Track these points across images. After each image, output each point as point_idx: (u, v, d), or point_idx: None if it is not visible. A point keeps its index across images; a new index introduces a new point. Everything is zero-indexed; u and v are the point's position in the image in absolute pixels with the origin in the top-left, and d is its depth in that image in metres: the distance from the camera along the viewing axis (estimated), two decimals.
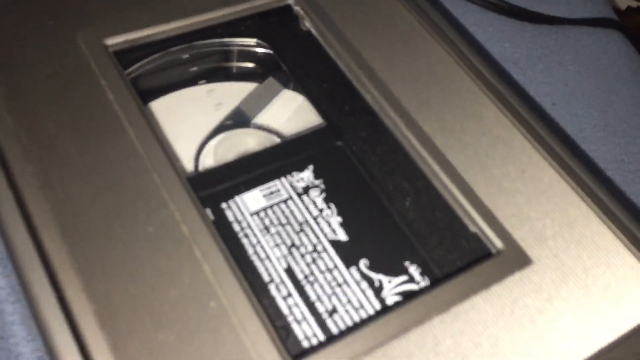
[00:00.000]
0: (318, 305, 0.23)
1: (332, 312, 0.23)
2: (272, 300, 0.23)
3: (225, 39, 0.31)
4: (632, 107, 0.41)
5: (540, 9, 0.44)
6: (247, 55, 0.32)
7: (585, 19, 0.45)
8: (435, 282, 0.24)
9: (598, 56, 0.43)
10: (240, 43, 0.31)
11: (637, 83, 0.43)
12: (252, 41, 0.31)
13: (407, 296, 0.24)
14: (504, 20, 0.44)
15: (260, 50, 0.31)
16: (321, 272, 0.24)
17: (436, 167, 0.26)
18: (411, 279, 0.24)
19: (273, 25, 0.31)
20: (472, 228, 0.25)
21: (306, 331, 0.22)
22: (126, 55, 0.28)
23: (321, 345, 0.22)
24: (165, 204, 0.23)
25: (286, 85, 0.31)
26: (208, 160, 0.28)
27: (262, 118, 0.30)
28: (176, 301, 0.21)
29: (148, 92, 0.29)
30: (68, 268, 0.21)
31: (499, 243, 0.24)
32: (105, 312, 0.20)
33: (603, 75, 0.42)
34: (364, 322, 0.23)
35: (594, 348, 0.23)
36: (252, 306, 0.21)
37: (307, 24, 0.31)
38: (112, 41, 0.27)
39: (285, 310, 0.23)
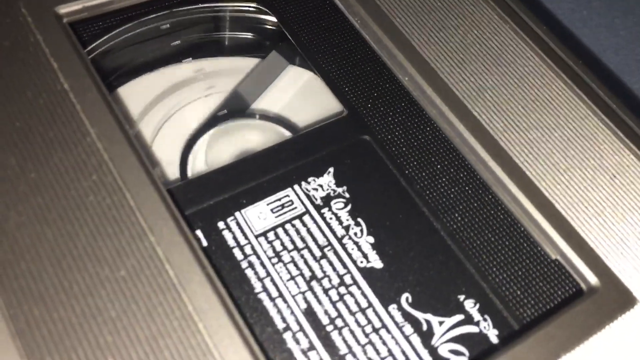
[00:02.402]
0: None
1: None
2: (289, 355, 0.19)
3: (217, 4, 0.28)
4: None
5: None
6: (243, 24, 0.29)
7: None
8: (513, 333, 0.20)
9: None
10: (235, 8, 0.28)
11: None
12: (250, 6, 0.28)
13: (468, 344, 0.19)
14: None
15: (260, 17, 0.28)
16: (352, 313, 0.20)
17: (498, 170, 0.22)
18: (469, 319, 0.20)
19: None
20: (552, 254, 0.21)
21: None
22: (86, 28, 0.25)
23: None
24: (142, 234, 0.18)
25: (293, 61, 0.28)
26: (198, 164, 0.25)
27: (264, 104, 0.27)
28: None
29: (115, 74, 0.26)
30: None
31: (592, 277, 0.20)
32: None
33: None
34: None
35: None
36: None
37: None
38: (67, 9, 0.24)
39: None
